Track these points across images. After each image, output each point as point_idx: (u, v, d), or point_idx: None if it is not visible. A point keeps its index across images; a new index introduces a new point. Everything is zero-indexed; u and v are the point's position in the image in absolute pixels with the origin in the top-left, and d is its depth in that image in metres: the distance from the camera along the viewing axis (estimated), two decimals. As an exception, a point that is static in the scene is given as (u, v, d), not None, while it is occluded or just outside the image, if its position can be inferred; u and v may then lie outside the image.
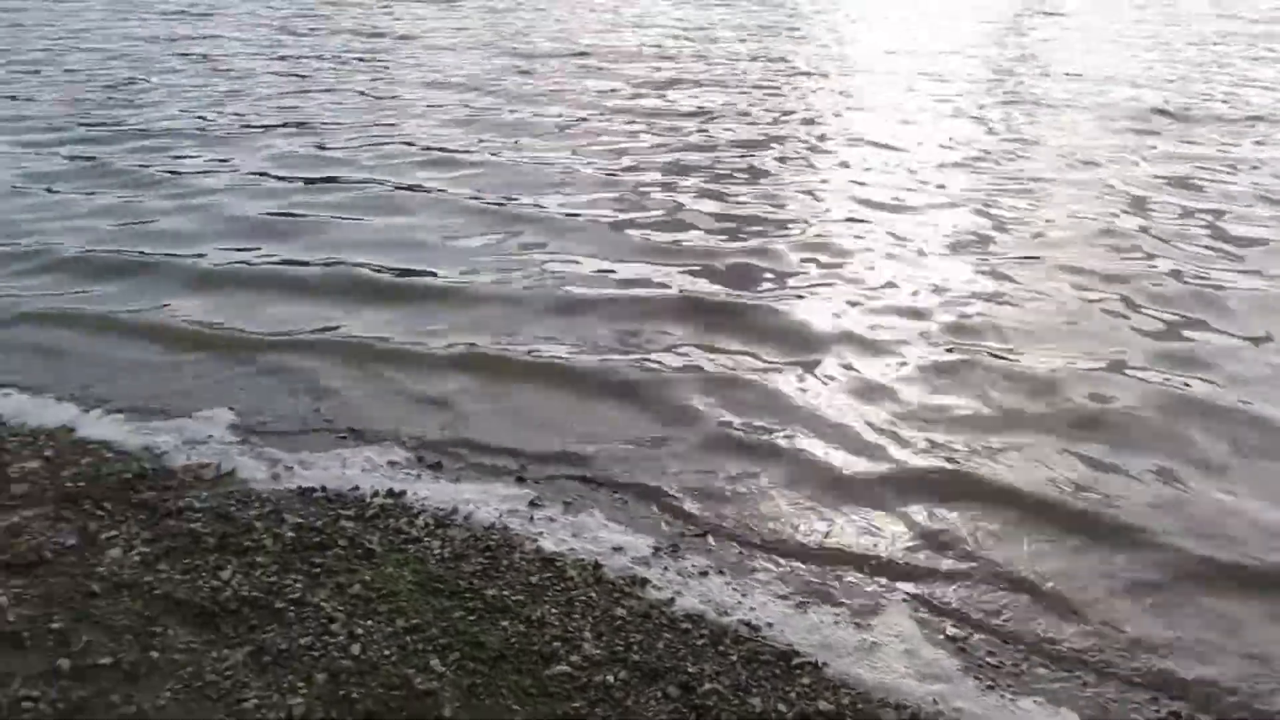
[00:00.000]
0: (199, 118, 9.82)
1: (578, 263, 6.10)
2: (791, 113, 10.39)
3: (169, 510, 3.43)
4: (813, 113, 10.48)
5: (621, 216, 6.98)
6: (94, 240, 6.43)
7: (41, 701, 2.54)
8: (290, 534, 3.31)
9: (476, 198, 7.33)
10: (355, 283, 5.76)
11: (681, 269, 6.04)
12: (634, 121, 9.87)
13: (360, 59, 13.30)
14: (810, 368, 4.81)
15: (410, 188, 7.60)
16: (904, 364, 4.85)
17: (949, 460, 4.01)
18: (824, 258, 6.27)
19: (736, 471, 3.93)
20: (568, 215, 6.98)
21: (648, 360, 4.85)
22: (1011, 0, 22.73)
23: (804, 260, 6.23)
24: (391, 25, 16.68)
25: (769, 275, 6.00)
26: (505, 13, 18.71)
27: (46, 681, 2.61)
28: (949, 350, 4.97)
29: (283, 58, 13.40)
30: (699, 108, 10.55)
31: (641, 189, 7.64)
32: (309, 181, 7.75)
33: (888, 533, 3.56)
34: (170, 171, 7.98)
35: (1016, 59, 14.26)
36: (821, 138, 9.40)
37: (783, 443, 4.14)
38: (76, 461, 3.77)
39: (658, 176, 7.99)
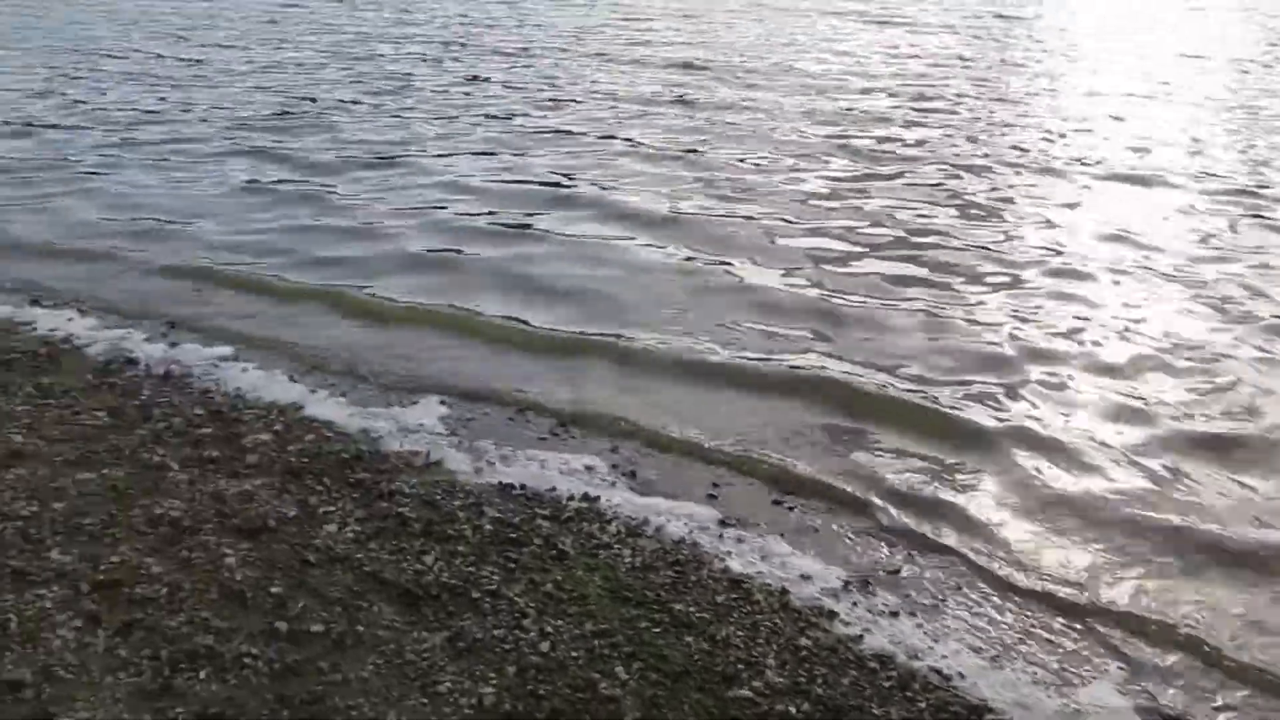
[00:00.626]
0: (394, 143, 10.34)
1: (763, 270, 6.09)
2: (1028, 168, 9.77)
3: (381, 492, 3.62)
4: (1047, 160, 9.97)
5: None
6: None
7: (260, 660, 2.72)
8: (489, 527, 3.43)
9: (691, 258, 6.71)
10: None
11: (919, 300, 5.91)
12: (842, 158, 9.28)
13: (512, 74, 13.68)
14: (1027, 390, 4.61)
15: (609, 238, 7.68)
16: (1144, 400, 4.57)
17: (1183, 516, 3.73)
18: (1067, 287, 6.04)
19: (937, 507, 3.80)
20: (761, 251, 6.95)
21: (857, 381, 4.78)
22: (1253, 36, 20.86)
23: (1039, 292, 5.98)
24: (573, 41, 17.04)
25: (998, 314, 5.78)
26: (698, 19, 18.81)
27: (265, 641, 2.80)
28: (1190, 410, 4.64)
29: (434, 85, 13.93)
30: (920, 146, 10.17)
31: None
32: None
33: (1103, 590, 3.34)
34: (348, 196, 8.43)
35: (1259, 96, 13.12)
36: (1051, 170, 8.98)
37: (989, 480, 3.98)
38: (302, 438, 4.05)
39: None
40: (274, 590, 3.03)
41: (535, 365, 4.97)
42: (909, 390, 4.75)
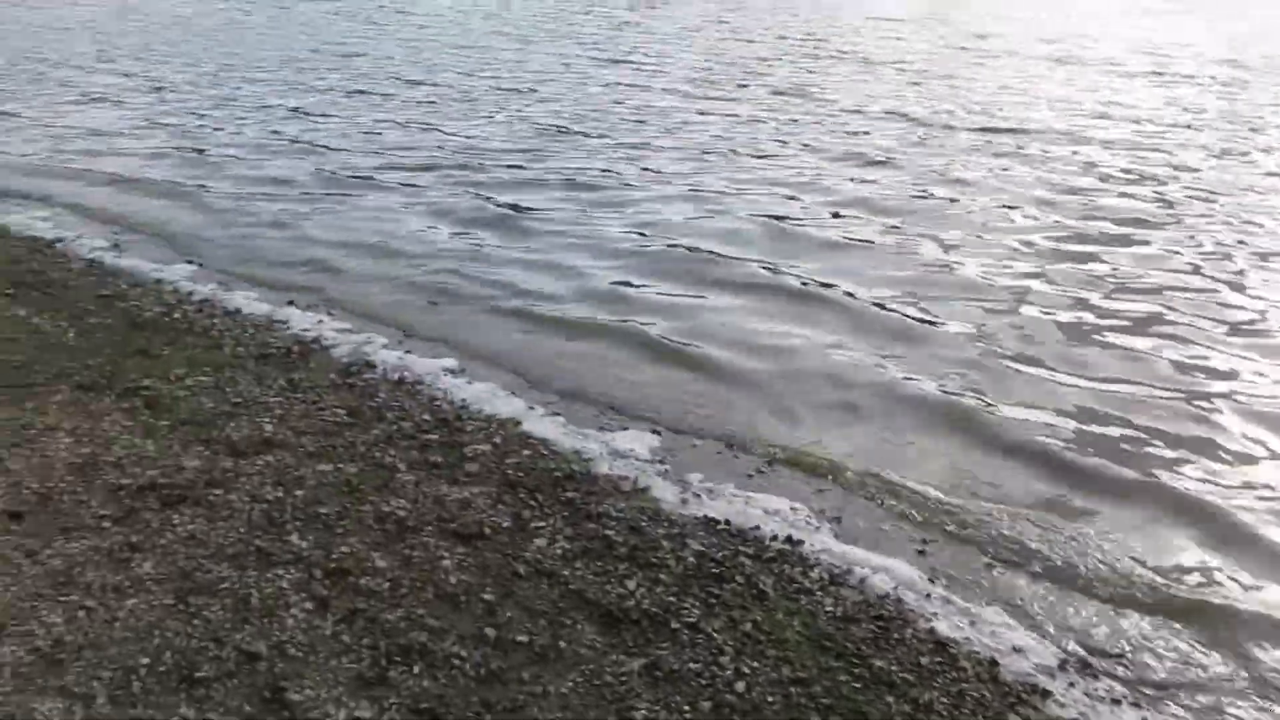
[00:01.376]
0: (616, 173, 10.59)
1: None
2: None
3: (589, 513, 3.71)
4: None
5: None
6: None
7: (468, 662, 2.84)
8: (692, 559, 3.44)
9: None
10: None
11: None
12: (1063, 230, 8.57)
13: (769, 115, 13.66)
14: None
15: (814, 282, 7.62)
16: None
17: None
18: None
19: (1168, 588, 3.52)
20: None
21: (1081, 451, 4.52)
22: None
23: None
24: (804, 79, 16.91)
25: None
26: (919, 76, 18.30)
27: (474, 644, 2.92)
28: None
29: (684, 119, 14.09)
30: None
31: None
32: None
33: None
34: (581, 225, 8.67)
35: None
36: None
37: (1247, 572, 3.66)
38: (518, 452, 4.21)
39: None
40: (485, 596, 3.15)
41: (748, 401, 4.97)
42: (1137, 468, 4.44)
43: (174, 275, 6.53)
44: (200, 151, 10.49)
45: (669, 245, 7.43)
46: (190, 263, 6.88)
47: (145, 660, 2.79)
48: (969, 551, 3.77)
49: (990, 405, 4.95)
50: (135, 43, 20.25)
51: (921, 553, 3.71)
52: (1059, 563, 3.68)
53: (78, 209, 8.33)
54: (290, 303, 6.09)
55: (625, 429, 4.58)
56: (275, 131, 11.46)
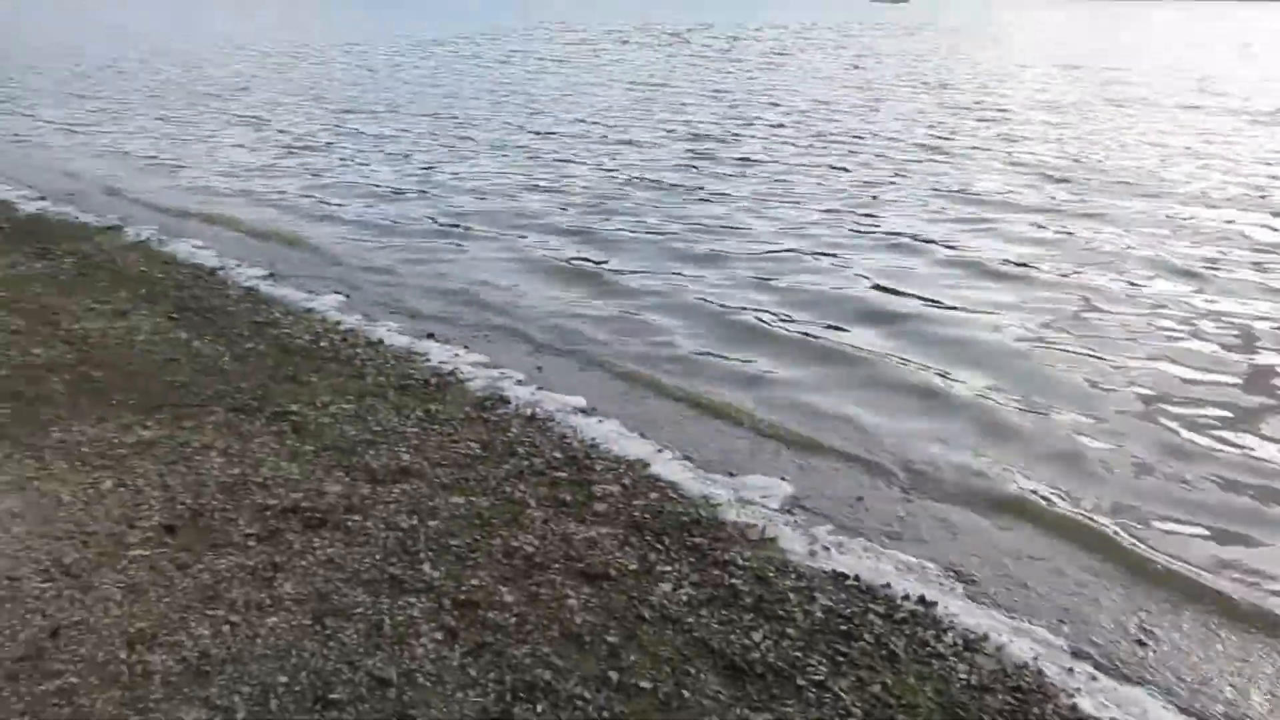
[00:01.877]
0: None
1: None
2: None
3: (716, 560, 3.67)
4: None
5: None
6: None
7: (590, 705, 2.83)
8: (820, 614, 3.36)
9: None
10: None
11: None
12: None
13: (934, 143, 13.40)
14: None
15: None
16: None
17: None
18: None
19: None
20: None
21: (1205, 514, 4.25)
22: None
23: None
24: (934, 127, 16.54)
25: None
26: (1060, 112, 17.67)
27: (597, 686, 2.91)
28: None
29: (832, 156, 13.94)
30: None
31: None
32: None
33: None
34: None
35: None
36: None
37: None
38: (646, 494, 4.20)
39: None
40: (609, 639, 3.14)
41: (877, 456, 4.86)
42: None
43: (323, 306, 6.82)
44: (346, 190, 11.00)
45: (786, 300, 7.38)
46: (338, 294, 7.17)
47: (283, 679, 2.88)
48: (1118, 624, 3.57)
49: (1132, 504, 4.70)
50: (281, 89, 21.44)
51: (1064, 623, 3.53)
52: (1220, 647, 3.45)
53: (237, 240, 8.83)
54: (429, 336, 6.27)
55: (754, 474, 4.53)
56: (414, 175, 11.95)
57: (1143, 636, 3.49)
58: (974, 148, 13.80)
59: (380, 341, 6.07)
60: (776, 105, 18.62)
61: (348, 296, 7.15)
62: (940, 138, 14.81)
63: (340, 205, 10.19)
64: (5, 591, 3.23)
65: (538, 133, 15.14)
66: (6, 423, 4.51)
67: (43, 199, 10.18)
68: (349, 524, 3.77)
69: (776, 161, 12.63)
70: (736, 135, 14.95)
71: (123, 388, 5.02)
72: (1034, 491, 4.52)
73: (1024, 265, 8.07)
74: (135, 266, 7.55)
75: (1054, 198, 10.73)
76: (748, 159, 12.89)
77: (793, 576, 3.62)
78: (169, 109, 17.61)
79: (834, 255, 8.39)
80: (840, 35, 45.75)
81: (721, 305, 7.05)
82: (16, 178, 11.41)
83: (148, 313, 6.33)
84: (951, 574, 3.81)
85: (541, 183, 11.28)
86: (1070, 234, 9.16)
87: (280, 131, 15.12)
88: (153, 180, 11.53)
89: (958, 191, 10.94)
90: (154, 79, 22.49)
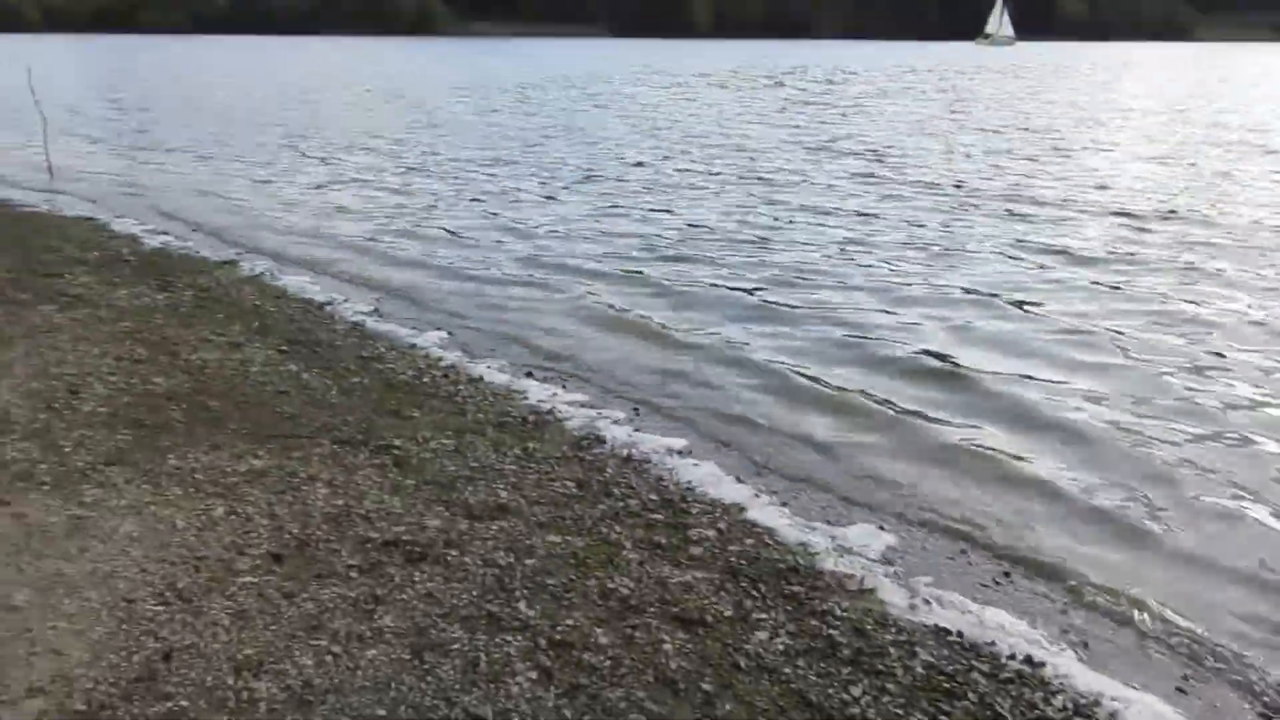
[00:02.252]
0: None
1: None
2: None
3: (813, 610, 3.61)
4: None
5: None
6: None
7: (686, 753, 2.80)
8: (921, 670, 3.27)
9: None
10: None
11: None
12: None
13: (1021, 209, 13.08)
14: None
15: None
16: None
17: None
18: None
19: None
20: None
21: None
22: None
23: None
24: (1042, 171, 16.12)
25: None
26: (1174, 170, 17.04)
27: (692, 735, 2.88)
28: None
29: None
30: None
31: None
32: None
33: None
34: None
35: None
36: None
37: None
38: (742, 540, 4.16)
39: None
40: (704, 686, 3.11)
41: (989, 500, 4.72)
42: None
43: (426, 342, 6.97)
44: (450, 231, 11.26)
45: (897, 343, 7.26)
46: (440, 331, 7.33)
47: (382, 712, 2.92)
48: (1235, 696, 3.38)
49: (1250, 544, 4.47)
50: (390, 133, 22.13)
51: (1183, 691, 3.36)
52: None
53: (345, 276, 9.11)
54: (528, 374, 6.35)
55: (853, 523, 4.44)
56: (509, 218, 12.16)
57: (1263, 711, 3.30)
58: (1066, 198, 13.25)
59: (480, 379, 6.17)
60: (865, 151, 18.44)
61: (449, 334, 7.29)
62: (1034, 185, 14.35)
63: (443, 246, 10.44)
64: (122, 613, 3.36)
65: (627, 178, 15.31)
66: (128, 448, 4.71)
67: (166, 234, 10.67)
68: (448, 559, 3.82)
69: (861, 211, 12.33)
70: (820, 182, 14.83)
71: (236, 417, 5.21)
72: (1152, 551, 4.34)
73: (1116, 331, 7.49)
74: (250, 300, 7.85)
75: (1152, 252, 10.12)
76: (832, 207, 12.71)
77: (893, 630, 3.53)
78: (283, 152, 18.35)
79: (915, 309, 8.06)
80: (938, 78, 45.36)
81: (810, 359, 6.88)
82: (144, 213, 12.01)
83: (260, 345, 6.56)
84: (1060, 634, 3.66)
85: (633, 227, 11.37)
86: (1166, 294, 8.50)
87: (388, 175, 15.60)
88: (268, 217, 12.00)
89: (1046, 245, 10.41)
90: (270, 123, 23.49)
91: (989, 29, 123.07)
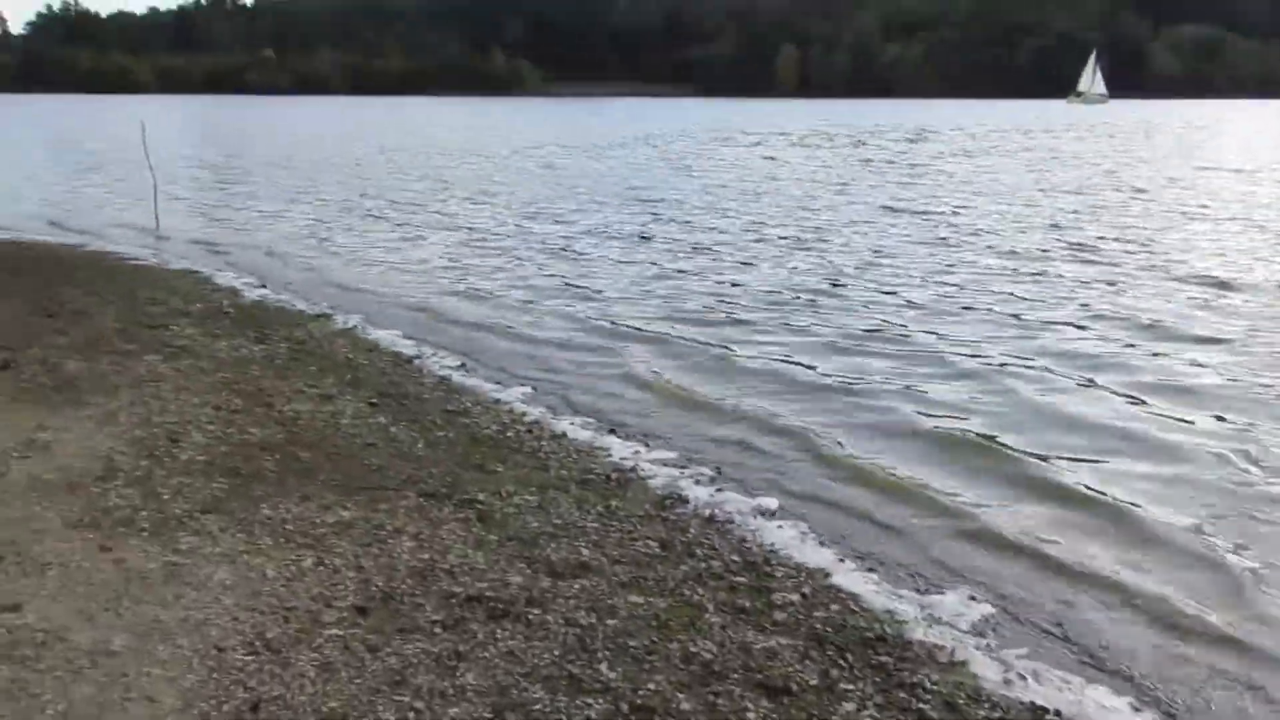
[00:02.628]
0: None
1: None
2: None
3: (902, 681, 3.50)
4: None
5: None
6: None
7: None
8: (1016, 751, 3.14)
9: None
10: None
11: None
12: None
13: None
14: None
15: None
16: None
17: None
18: None
19: None
20: None
21: None
22: None
23: None
24: (1132, 233, 15.63)
25: None
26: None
27: (776, 810, 2.79)
28: None
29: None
30: None
31: None
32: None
33: None
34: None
35: None
36: None
37: None
38: (828, 606, 4.07)
39: None
40: (790, 759, 3.02)
41: (1077, 581, 4.53)
42: None
43: (510, 397, 7.05)
44: (535, 287, 11.45)
45: (972, 417, 7.07)
46: (524, 386, 7.40)
47: (462, 771, 2.91)
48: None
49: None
50: (481, 188, 22.66)
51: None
52: None
53: (433, 330, 9.30)
54: (611, 431, 6.36)
55: (942, 592, 4.31)
56: (595, 273, 12.33)
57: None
58: (1145, 265, 12.62)
59: (563, 435, 6.20)
60: (938, 212, 18.00)
61: (533, 389, 7.36)
62: (1110, 250, 13.75)
63: (525, 304, 10.57)
64: (213, 662, 3.42)
65: (702, 240, 15.41)
66: (223, 497, 4.84)
67: (264, 287, 11.05)
68: (530, 617, 3.81)
69: (931, 275, 12.01)
70: (890, 245, 14.53)
71: (326, 468, 5.31)
72: (1247, 631, 4.11)
73: (1183, 421, 6.94)
74: (342, 352, 8.05)
75: (1231, 326, 9.37)
76: (901, 271, 12.46)
77: (986, 706, 3.40)
78: (374, 206, 18.93)
79: (985, 383, 7.67)
80: (1022, 137, 44.81)
81: (886, 432, 6.65)
82: (244, 266, 12.48)
83: (351, 397, 6.71)
84: (1167, 716, 3.48)
85: (707, 288, 11.37)
86: (1242, 373, 7.82)
87: (475, 232, 15.96)
88: (361, 271, 12.36)
89: (1121, 314, 9.87)
90: (362, 180, 24.30)
91: (1081, 86, 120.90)
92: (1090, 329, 9.36)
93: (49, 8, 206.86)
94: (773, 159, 31.51)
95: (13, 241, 14.03)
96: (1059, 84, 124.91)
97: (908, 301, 10.52)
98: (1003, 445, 6.27)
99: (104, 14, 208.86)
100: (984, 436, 6.42)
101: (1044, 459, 6.04)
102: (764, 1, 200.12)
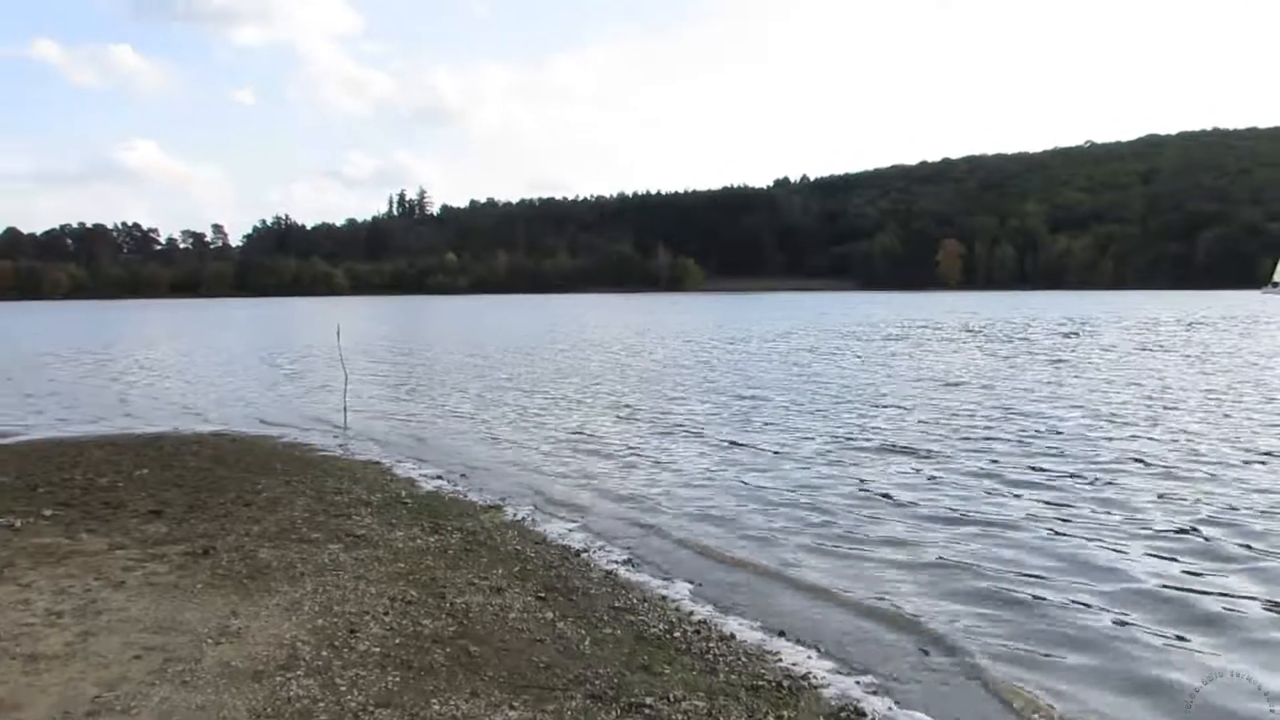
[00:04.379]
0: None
1: None
2: None
3: None
4: None
5: None
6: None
7: None
8: None
9: None
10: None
11: None
12: None
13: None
14: None
15: None
16: None
17: None
18: None
19: None
20: None
21: None
22: None
23: None
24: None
25: None
26: None
27: None
28: None
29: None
30: None
31: None
32: None
33: None
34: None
35: None
36: None
37: None
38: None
39: None
40: None
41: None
42: None
43: (676, 594, 6.96)
44: (705, 481, 11.43)
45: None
46: (690, 583, 7.31)
47: None
48: None
49: None
50: (651, 378, 23.16)
51: None
52: None
53: (600, 523, 9.37)
54: (780, 634, 6.16)
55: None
56: (758, 467, 12.23)
57: None
58: None
59: (732, 636, 6.05)
60: (1070, 413, 16.95)
61: (699, 585, 7.25)
62: (1251, 478, 11.62)
63: (694, 496, 10.58)
64: None
65: (851, 436, 15.15)
66: (396, 690, 4.90)
67: (440, 478, 11.49)
68: (700, 837, 3.62)
69: (1051, 484, 11.10)
70: (1017, 449, 13.93)
71: (494, 664, 5.33)
72: None
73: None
74: (512, 544, 8.19)
75: None
76: (1023, 480, 11.83)
77: None
78: (546, 400, 19.60)
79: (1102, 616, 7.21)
80: (1189, 329, 42.73)
81: (1102, 662, 6.27)
82: (422, 457, 13.05)
83: (520, 590, 6.77)
84: None
85: (888, 487, 11.13)
86: None
87: (648, 419, 16.25)
88: (530, 462, 12.69)
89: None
90: (532, 373, 25.31)
91: (1278, 276, 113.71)
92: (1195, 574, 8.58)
93: (264, 221, 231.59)
94: (918, 352, 31.10)
95: (223, 434, 15.18)
96: (1244, 274, 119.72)
97: (1030, 516, 9.95)
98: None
99: (309, 225, 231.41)
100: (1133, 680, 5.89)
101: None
102: (923, 199, 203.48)
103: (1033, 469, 11.54)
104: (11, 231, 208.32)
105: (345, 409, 17.11)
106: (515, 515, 9.47)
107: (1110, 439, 13.51)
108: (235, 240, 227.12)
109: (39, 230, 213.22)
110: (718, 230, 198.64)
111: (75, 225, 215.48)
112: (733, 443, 13.99)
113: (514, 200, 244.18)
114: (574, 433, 15.21)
